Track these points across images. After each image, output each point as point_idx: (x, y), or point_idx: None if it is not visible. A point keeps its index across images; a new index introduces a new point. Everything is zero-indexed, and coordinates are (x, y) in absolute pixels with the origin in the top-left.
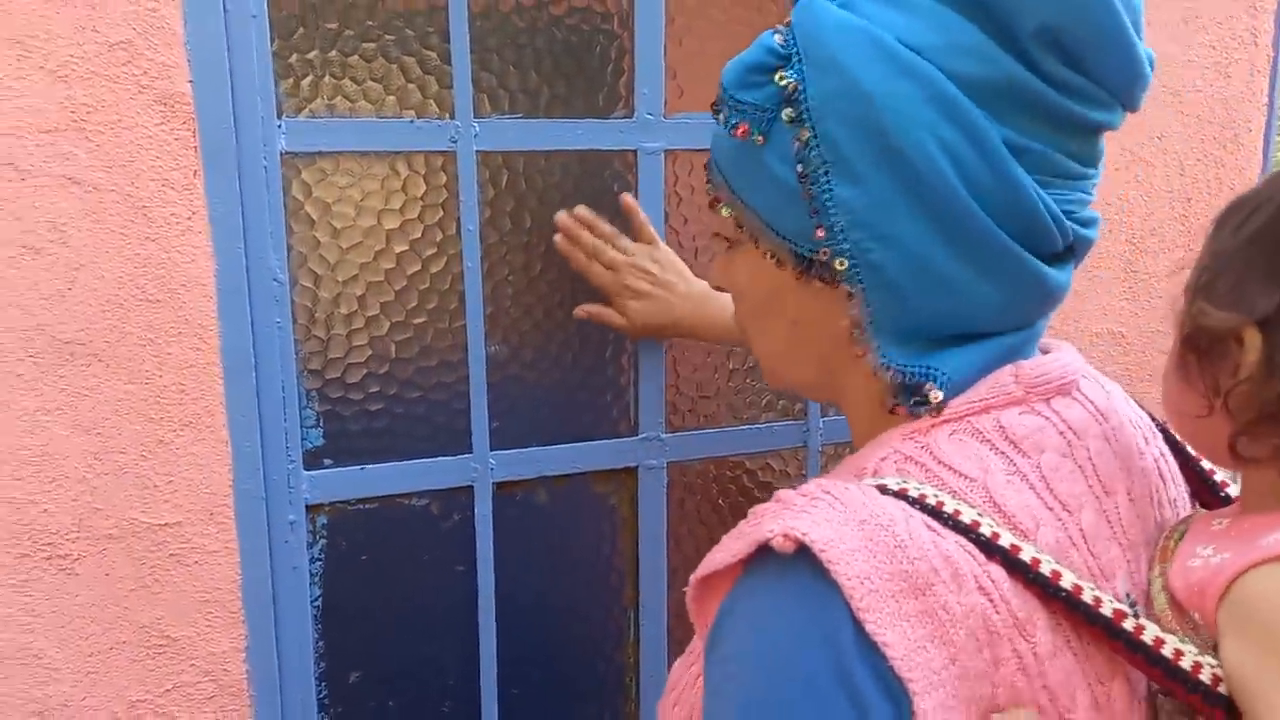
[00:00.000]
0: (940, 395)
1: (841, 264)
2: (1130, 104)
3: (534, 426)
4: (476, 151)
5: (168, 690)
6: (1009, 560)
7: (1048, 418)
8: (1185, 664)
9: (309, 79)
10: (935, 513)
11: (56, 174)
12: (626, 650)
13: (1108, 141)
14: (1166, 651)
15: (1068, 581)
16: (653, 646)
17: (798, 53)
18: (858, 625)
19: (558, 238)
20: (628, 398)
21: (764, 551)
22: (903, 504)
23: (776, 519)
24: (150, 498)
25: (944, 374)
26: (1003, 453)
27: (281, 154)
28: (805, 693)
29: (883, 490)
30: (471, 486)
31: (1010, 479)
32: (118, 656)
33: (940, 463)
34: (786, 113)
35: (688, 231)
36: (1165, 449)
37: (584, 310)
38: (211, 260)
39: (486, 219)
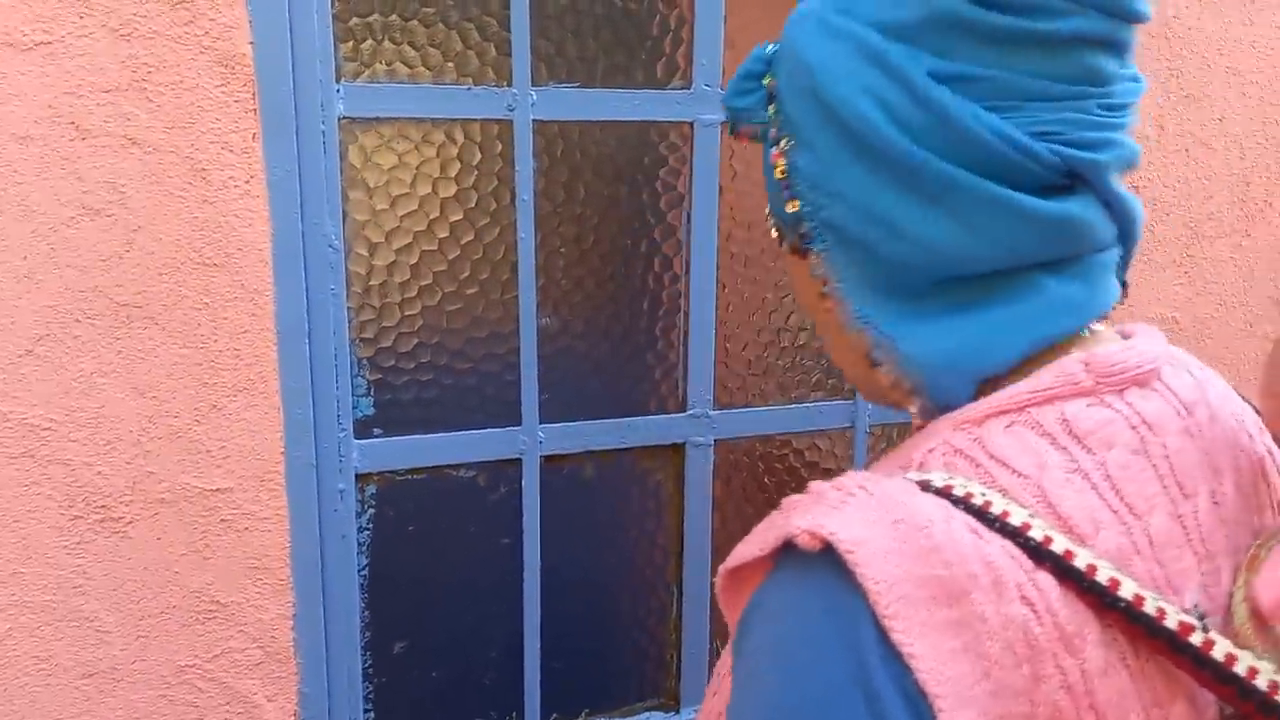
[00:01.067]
0: (884, 359)
1: (805, 229)
2: (1110, 6)
3: (582, 400)
4: (533, 120)
5: (216, 656)
6: (1061, 567)
7: (1119, 411)
8: (1261, 682)
9: (368, 43)
10: (981, 513)
11: (117, 134)
12: (669, 627)
13: (1165, 122)
14: (1239, 669)
15: (1127, 591)
16: (695, 624)
17: (778, 54)
18: (882, 633)
19: None
20: (676, 374)
21: (791, 547)
22: (945, 502)
23: (806, 514)
24: (203, 463)
25: (900, 338)
26: (1064, 448)
27: (339, 119)
28: (823, 700)
29: (924, 487)
30: (520, 459)
31: (1070, 477)
32: (168, 621)
33: (992, 457)
34: (770, 109)
35: (743, 205)
36: (1274, 446)
37: None
38: (268, 225)
39: (540, 189)
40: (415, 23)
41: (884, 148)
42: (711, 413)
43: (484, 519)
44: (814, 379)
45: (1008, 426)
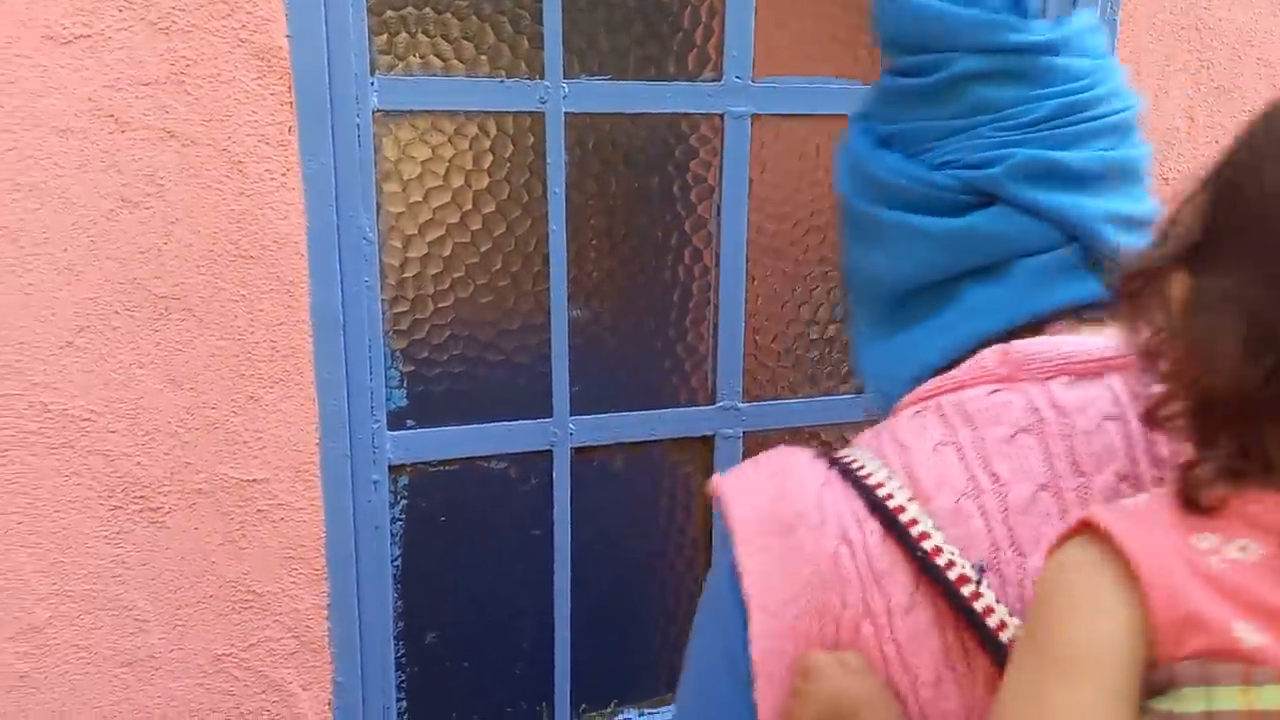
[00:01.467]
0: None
1: None
2: (983, 45)
3: (613, 392)
4: (565, 113)
5: (252, 645)
6: (887, 517)
7: (1025, 395)
8: (1004, 636)
9: (403, 36)
10: (847, 472)
11: (156, 127)
12: None
13: (1195, 114)
14: (991, 621)
15: (931, 544)
16: None
17: None
18: (734, 554)
19: None
20: (706, 366)
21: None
22: (824, 464)
23: (724, 474)
24: (239, 453)
25: (859, 357)
26: (951, 425)
27: (374, 112)
28: (707, 599)
29: (826, 455)
30: (551, 451)
31: (940, 448)
32: (205, 610)
33: (891, 435)
34: None
35: (773, 197)
36: None
37: None
38: (303, 217)
39: (572, 181)
40: (449, 16)
41: (848, 209)
42: (741, 405)
43: (515, 510)
44: (843, 371)
45: (916, 413)
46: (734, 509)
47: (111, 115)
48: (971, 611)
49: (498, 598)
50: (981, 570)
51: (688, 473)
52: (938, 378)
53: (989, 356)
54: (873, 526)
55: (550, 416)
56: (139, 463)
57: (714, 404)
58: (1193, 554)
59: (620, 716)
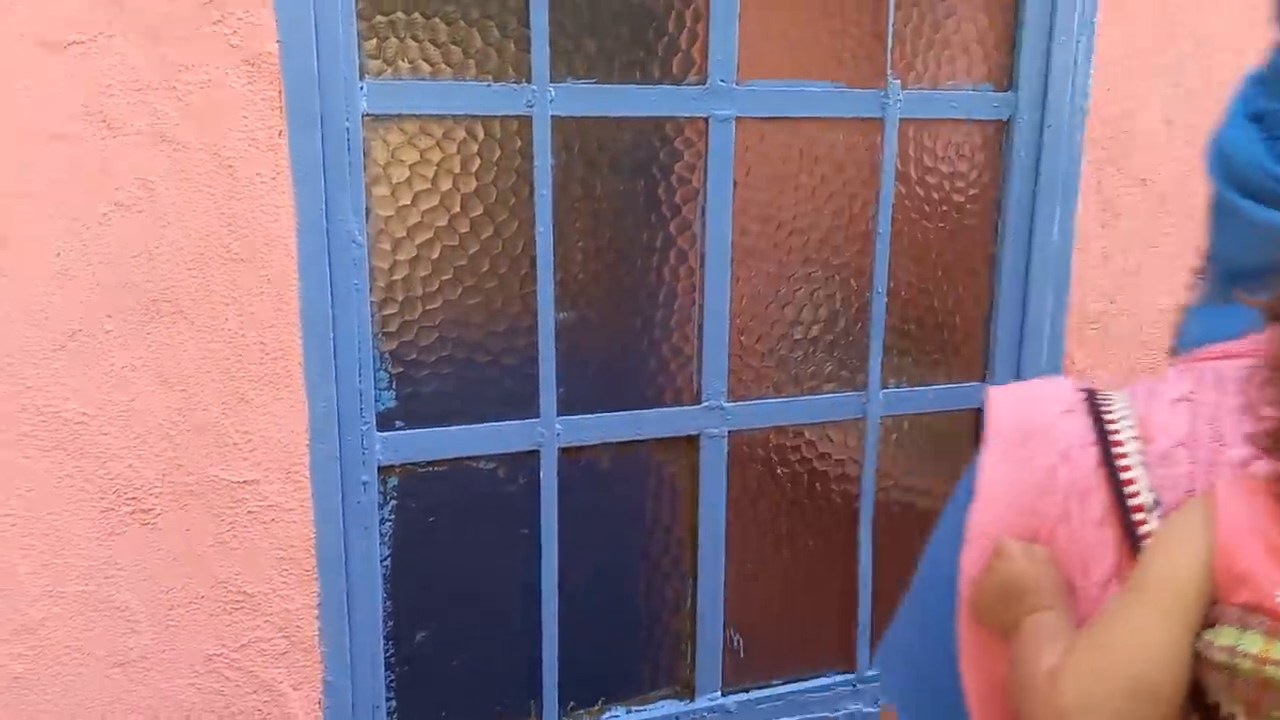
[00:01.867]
0: (1172, 345)
1: None
2: None
3: (599, 393)
4: (551, 117)
5: (243, 645)
6: (1105, 446)
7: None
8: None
9: (391, 41)
10: (1092, 405)
11: (147, 131)
12: (684, 616)
13: (1173, 115)
14: (1144, 530)
15: (1130, 474)
16: (709, 614)
17: None
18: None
19: None
20: (691, 366)
21: None
22: (1078, 396)
23: (996, 387)
24: (230, 454)
25: (1186, 332)
26: (1201, 384)
27: (363, 115)
28: (960, 484)
29: (1086, 389)
30: (538, 451)
31: (1180, 402)
32: (196, 611)
33: (1150, 385)
34: None
35: (757, 200)
36: None
37: None
38: (294, 220)
39: (559, 184)
40: (437, 20)
41: (1209, 183)
42: (725, 405)
43: (503, 510)
44: (826, 371)
45: (1181, 371)
46: (992, 416)
47: (104, 120)
48: (1138, 536)
49: (487, 597)
50: (1157, 504)
51: (673, 472)
52: (1217, 345)
53: (1264, 337)
54: (1092, 452)
55: (538, 417)
56: (130, 464)
57: (699, 404)
58: (1268, 531)
59: (608, 714)
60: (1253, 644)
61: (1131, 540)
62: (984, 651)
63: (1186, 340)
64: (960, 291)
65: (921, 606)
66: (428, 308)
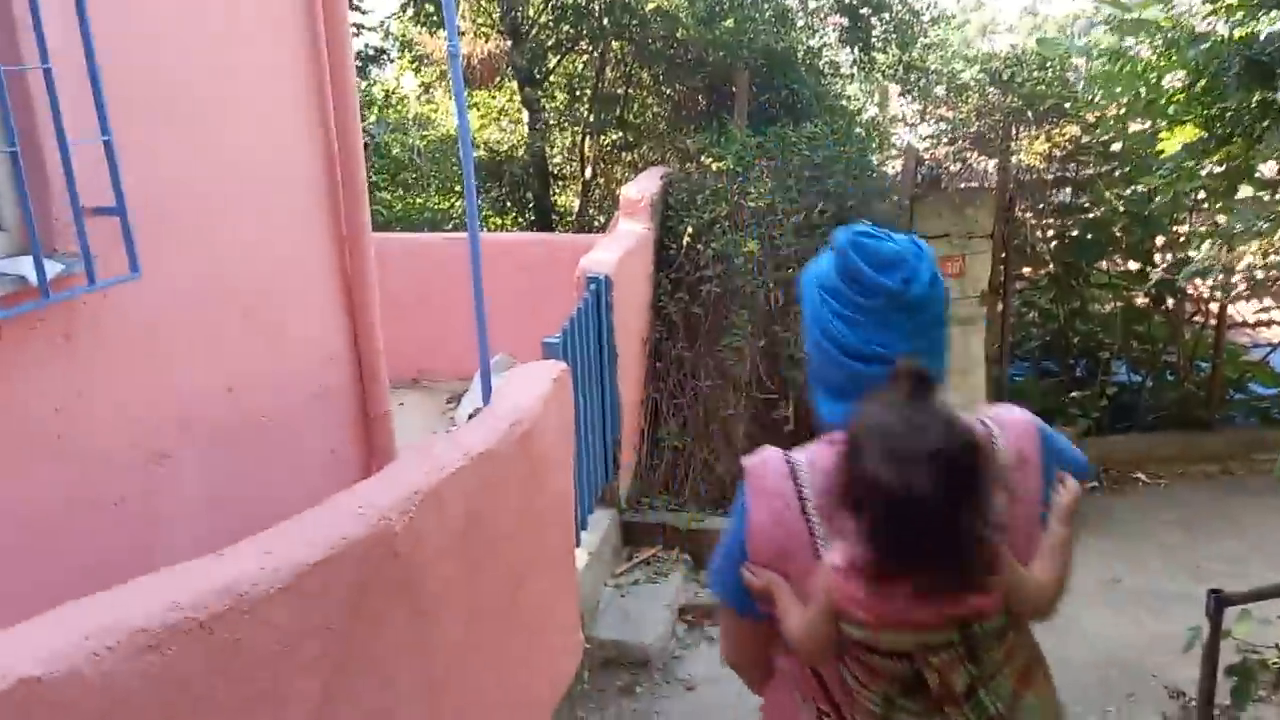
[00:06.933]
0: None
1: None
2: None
3: None
4: None
5: None
6: (798, 490)
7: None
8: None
9: None
10: (789, 462)
11: None
12: None
13: None
14: (819, 546)
15: (809, 504)
16: None
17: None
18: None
19: None
20: None
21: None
22: (781, 456)
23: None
24: None
25: (820, 417)
26: (824, 458)
27: None
28: (735, 509)
29: (785, 453)
30: None
31: (818, 471)
32: None
33: (809, 454)
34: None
35: None
36: None
37: None
38: None
39: None
40: None
41: (811, 333)
42: None
43: None
44: None
45: (820, 444)
46: (747, 471)
47: None
48: (817, 543)
49: None
50: (819, 519)
51: None
52: (836, 431)
53: (839, 437)
54: (794, 500)
55: None
56: None
57: None
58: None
59: None
60: (854, 628)
61: (815, 546)
62: (758, 598)
63: (822, 418)
64: None
65: (723, 557)
66: None
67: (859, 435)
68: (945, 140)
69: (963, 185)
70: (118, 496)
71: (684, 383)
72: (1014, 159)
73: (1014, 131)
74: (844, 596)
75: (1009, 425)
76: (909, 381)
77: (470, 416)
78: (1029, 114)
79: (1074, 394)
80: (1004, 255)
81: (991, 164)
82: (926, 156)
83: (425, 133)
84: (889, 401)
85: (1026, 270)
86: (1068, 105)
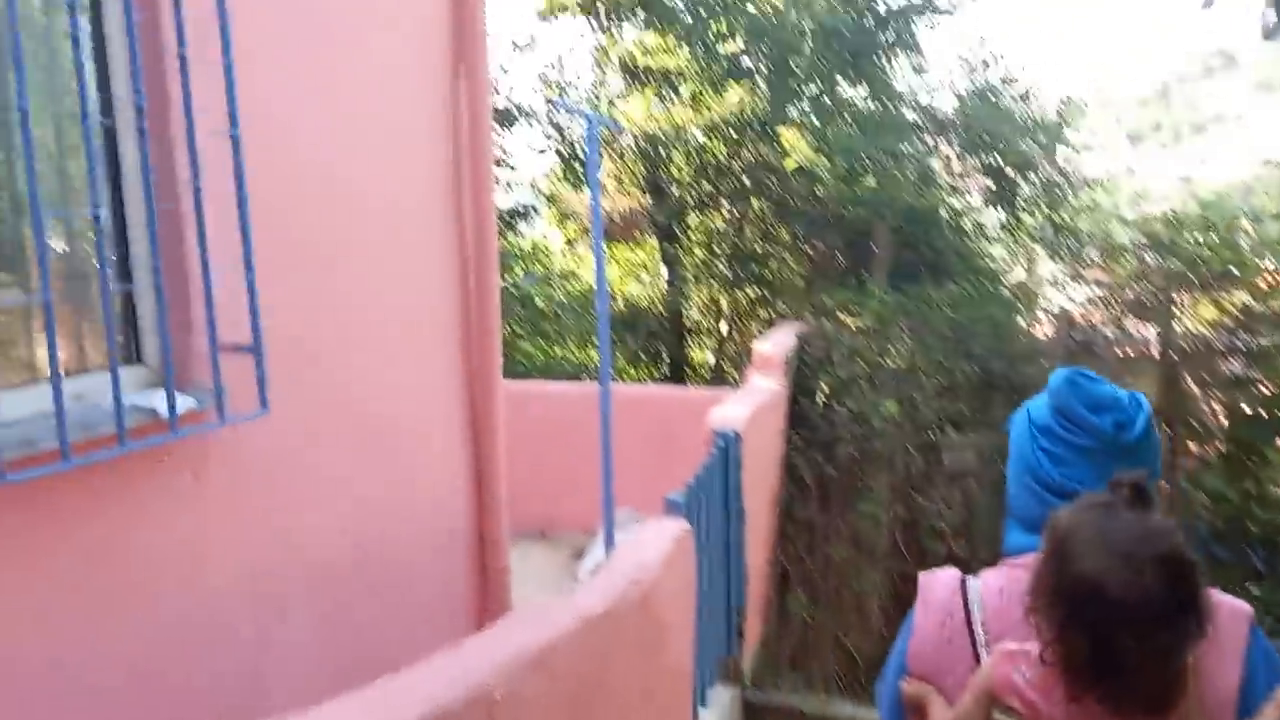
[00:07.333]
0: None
1: None
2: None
3: None
4: None
5: None
6: (967, 610)
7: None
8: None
9: None
10: (963, 584)
11: None
12: None
13: None
14: (981, 658)
15: (977, 629)
16: None
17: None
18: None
19: None
20: None
21: None
22: (957, 578)
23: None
24: None
25: (1006, 546)
26: (1007, 583)
27: None
28: (903, 627)
29: (961, 575)
30: None
31: (994, 592)
32: None
33: (992, 575)
34: None
35: None
36: None
37: None
38: None
39: None
40: None
41: (1017, 466)
42: None
43: None
44: None
45: (1004, 568)
46: (919, 585)
47: None
48: (980, 660)
49: None
50: (986, 645)
51: None
52: (1020, 556)
53: (1033, 561)
54: (960, 613)
55: None
56: None
57: None
58: (1011, 679)
59: None
60: (1005, 715)
61: (977, 661)
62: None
63: (1007, 547)
64: None
65: (888, 683)
66: None
67: (1072, 535)
68: (1100, 305)
69: (1120, 353)
70: (233, 629)
71: (815, 548)
72: (1178, 327)
73: (1177, 298)
74: (1005, 684)
75: (1219, 603)
76: (1130, 491)
77: (592, 573)
78: (1193, 279)
79: (1250, 586)
80: (1169, 430)
81: (1152, 331)
82: (1079, 321)
83: (568, 285)
84: (1105, 506)
85: (1194, 447)
86: (1236, 270)
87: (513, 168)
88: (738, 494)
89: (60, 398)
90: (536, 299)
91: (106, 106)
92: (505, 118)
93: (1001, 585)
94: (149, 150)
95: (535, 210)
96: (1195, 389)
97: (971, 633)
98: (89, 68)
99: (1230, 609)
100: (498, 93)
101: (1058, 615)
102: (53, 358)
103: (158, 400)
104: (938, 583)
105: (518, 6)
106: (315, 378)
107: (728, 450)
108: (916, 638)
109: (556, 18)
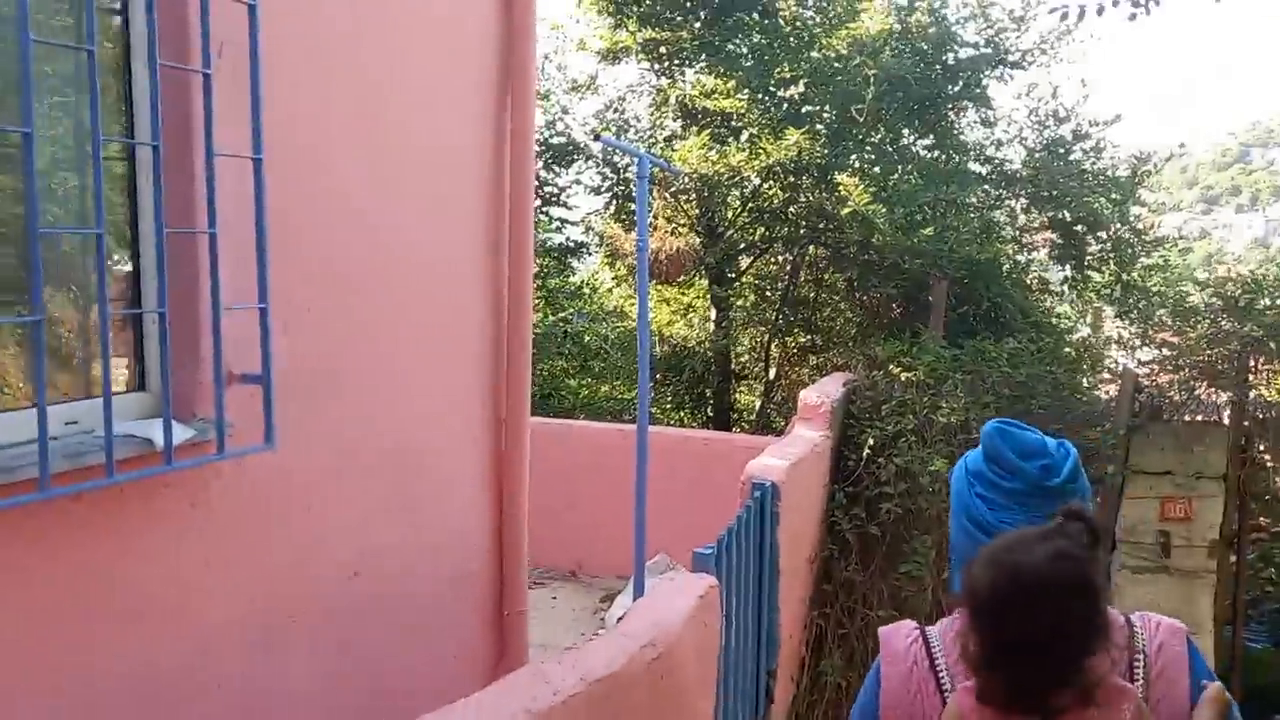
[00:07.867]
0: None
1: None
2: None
3: None
4: None
5: None
6: (930, 656)
7: None
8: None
9: None
10: (922, 633)
11: None
12: None
13: None
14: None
15: (941, 674)
16: None
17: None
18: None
19: None
20: None
21: None
22: (915, 629)
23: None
24: None
25: (951, 589)
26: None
27: None
28: (869, 679)
29: (920, 626)
30: None
31: (950, 636)
32: None
33: (941, 627)
34: None
35: None
36: None
37: None
38: None
39: None
40: None
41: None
42: None
43: None
44: None
45: (955, 616)
46: (882, 642)
47: None
48: (944, 699)
49: None
50: (950, 688)
51: None
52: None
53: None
54: (925, 660)
55: None
56: None
57: None
58: (970, 710)
59: None
60: None
61: (942, 704)
62: None
63: (953, 590)
64: None
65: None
66: None
67: (978, 558)
68: (1169, 368)
69: (1189, 419)
70: (227, 673)
71: (854, 610)
72: (1252, 393)
73: (1253, 363)
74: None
75: (1157, 621)
76: (1066, 517)
77: (619, 620)
78: (1271, 345)
79: None
80: (1239, 501)
81: (1224, 397)
82: (1146, 384)
83: (618, 324)
84: (1039, 536)
85: (1265, 520)
86: None
87: (569, 206)
88: (773, 549)
89: (45, 424)
90: (585, 336)
91: (129, 128)
92: (562, 156)
93: (957, 629)
94: (161, 171)
95: (587, 249)
96: (1269, 460)
97: (937, 677)
98: (112, 84)
99: (1169, 628)
100: (557, 132)
101: (966, 629)
102: (40, 382)
103: (155, 430)
104: (898, 635)
105: (580, 47)
106: (339, 411)
107: (764, 502)
108: (884, 689)
109: (619, 60)
